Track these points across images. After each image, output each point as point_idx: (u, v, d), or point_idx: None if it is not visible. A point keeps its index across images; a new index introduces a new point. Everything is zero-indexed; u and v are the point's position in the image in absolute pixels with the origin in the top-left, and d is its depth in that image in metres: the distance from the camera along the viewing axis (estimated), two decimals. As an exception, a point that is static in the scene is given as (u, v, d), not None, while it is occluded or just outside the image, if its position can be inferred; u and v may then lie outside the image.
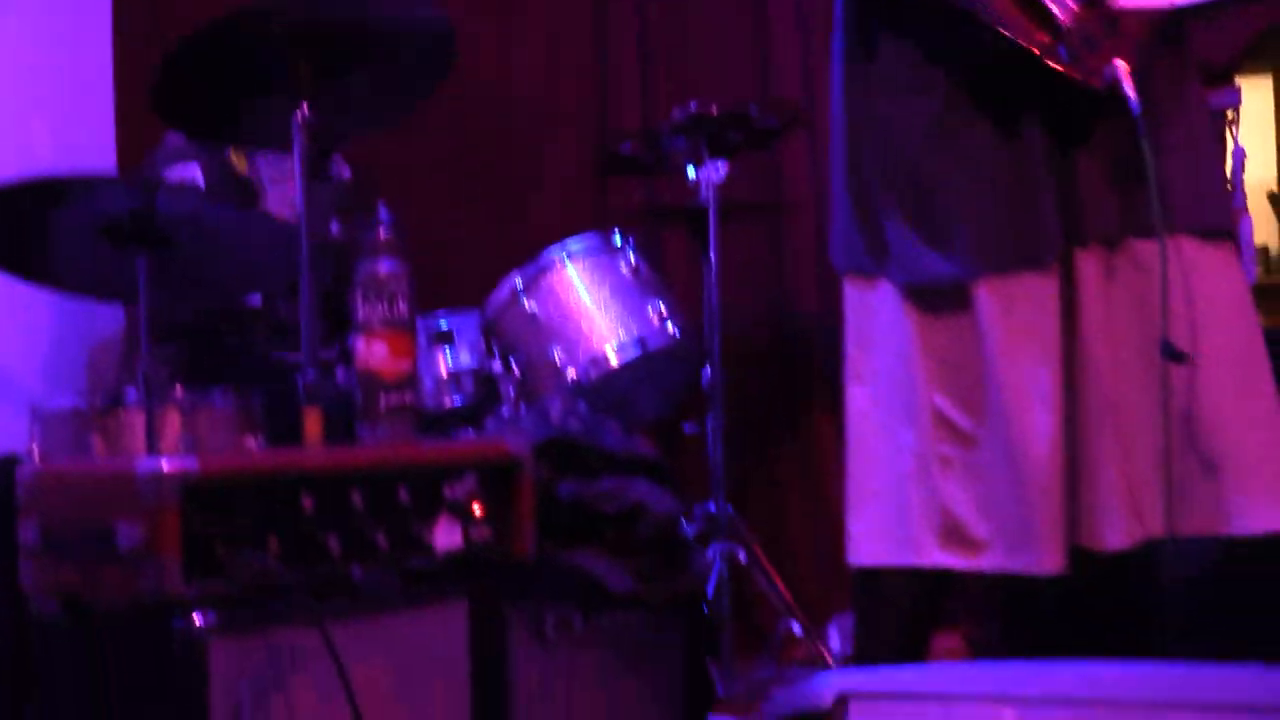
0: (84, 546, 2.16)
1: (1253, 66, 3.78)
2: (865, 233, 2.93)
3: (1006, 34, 2.72)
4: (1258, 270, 3.93)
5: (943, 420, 2.85)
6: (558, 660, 2.54)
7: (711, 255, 3.78)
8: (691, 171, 3.82)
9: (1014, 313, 2.81)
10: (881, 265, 2.91)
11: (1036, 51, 2.72)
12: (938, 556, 2.83)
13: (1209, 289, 2.81)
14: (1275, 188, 3.89)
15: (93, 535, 2.14)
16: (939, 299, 2.86)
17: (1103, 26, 2.74)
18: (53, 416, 3.00)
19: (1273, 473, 2.80)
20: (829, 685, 1.38)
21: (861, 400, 2.96)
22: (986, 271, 2.81)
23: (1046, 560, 2.76)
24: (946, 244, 2.83)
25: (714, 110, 3.71)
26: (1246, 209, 3.66)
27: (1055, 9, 2.72)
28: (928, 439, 2.86)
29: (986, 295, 2.81)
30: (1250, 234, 3.65)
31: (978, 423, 2.84)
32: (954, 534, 2.83)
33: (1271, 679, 1.36)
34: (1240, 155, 3.60)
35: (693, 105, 3.71)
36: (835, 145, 3.00)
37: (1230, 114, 3.51)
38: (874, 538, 2.91)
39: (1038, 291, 2.80)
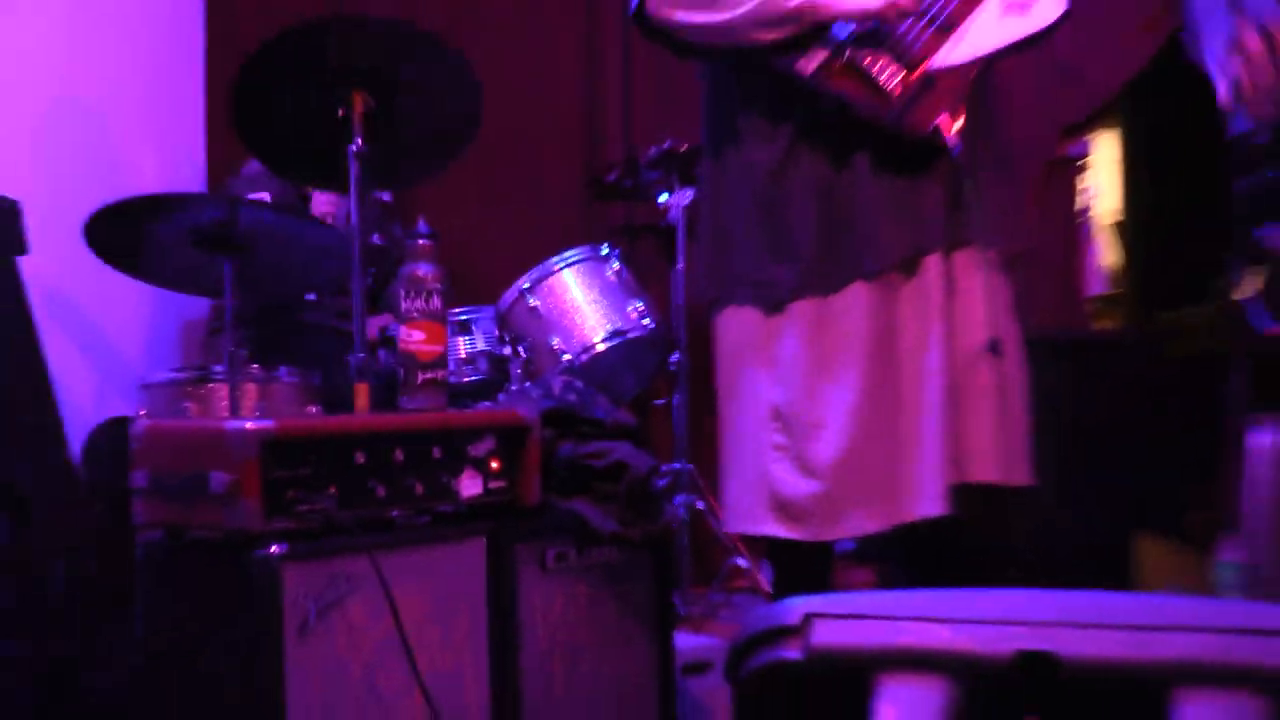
0: (183, 490, 2.19)
1: (1105, 123, 3.78)
2: (727, 265, 2.83)
3: (849, 104, 2.66)
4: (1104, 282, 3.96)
5: (778, 415, 2.73)
6: (556, 586, 2.55)
7: (679, 265, 3.81)
8: (664, 197, 3.84)
9: (845, 317, 2.71)
10: (737, 291, 2.80)
11: (869, 115, 2.67)
12: (770, 527, 2.73)
13: (1005, 291, 2.78)
14: (1119, 218, 3.90)
15: (190, 481, 2.16)
16: (781, 312, 2.74)
17: (923, 85, 2.67)
18: (155, 387, 3.00)
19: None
20: (797, 607, 1.37)
21: (725, 403, 2.87)
22: (821, 288, 2.71)
23: (863, 525, 2.69)
24: (792, 258, 2.72)
25: (683, 148, 3.71)
26: (1096, 235, 3.65)
27: (882, 80, 2.66)
28: (766, 432, 2.75)
29: (819, 306, 2.71)
30: (1099, 255, 3.66)
31: (807, 416, 2.72)
32: (782, 509, 2.72)
33: (1172, 604, 1.36)
34: (1091, 194, 3.58)
35: (667, 143, 3.73)
36: (704, 201, 2.92)
37: (1083, 162, 3.49)
38: (736, 510, 2.83)
39: (863, 298, 2.70)
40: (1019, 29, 2.68)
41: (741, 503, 2.79)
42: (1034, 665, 1.27)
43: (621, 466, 2.63)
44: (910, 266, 2.72)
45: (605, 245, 3.67)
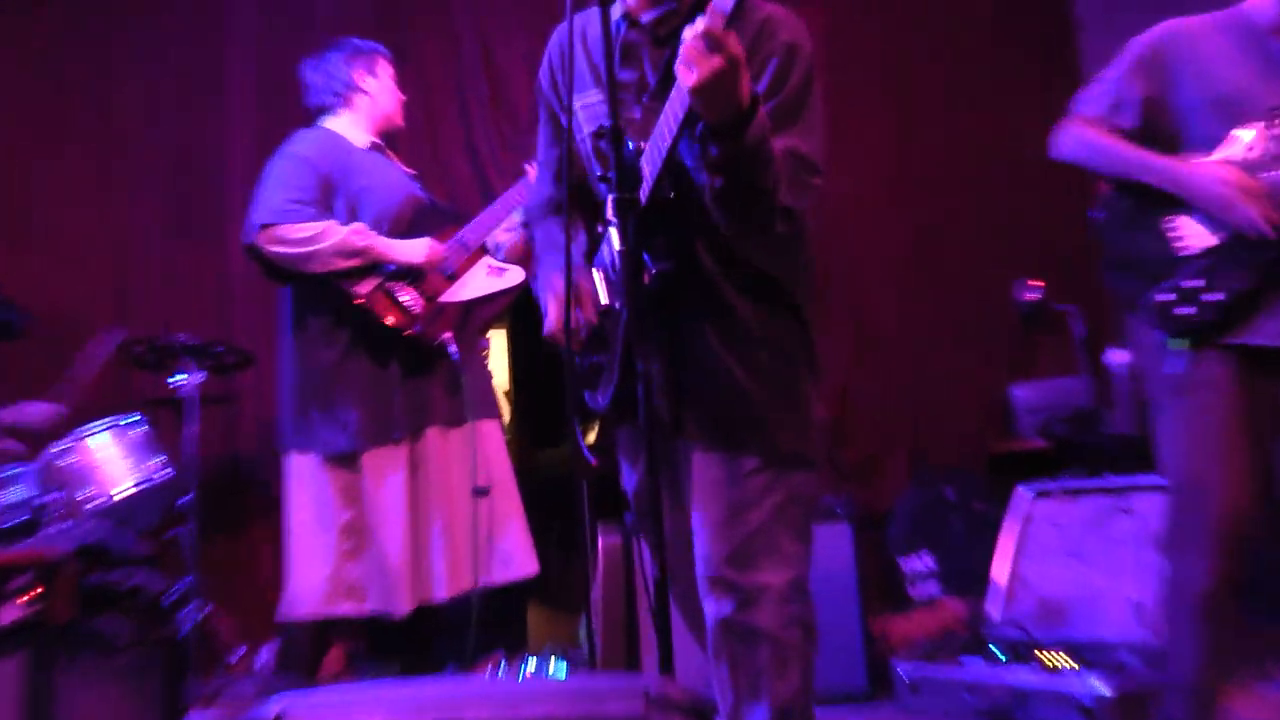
0: None
1: (497, 324, 4.00)
2: (300, 426, 2.96)
3: (388, 322, 2.91)
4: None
5: (347, 530, 2.89)
6: (88, 685, 2.32)
7: (192, 429, 3.35)
8: (180, 377, 3.45)
9: (383, 467, 2.91)
10: (310, 445, 2.94)
11: (404, 330, 2.92)
12: (343, 608, 2.88)
13: (493, 448, 3.03)
14: (508, 389, 4.08)
15: None
16: (342, 462, 2.92)
17: (435, 312, 2.96)
18: None
19: (525, 549, 3.04)
20: (273, 704, 1.28)
21: (298, 521, 2.95)
22: (367, 446, 2.91)
23: (401, 607, 2.85)
24: (345, 429, 2.91)
25: (182, 339, 3.34)
26: (499, 403, 3.79)
27: (408, 304, 2.91)
28: (335, 542, 2.89)
29: (367, 459, 2.91)
30: (505, 414, 3.79)
31: (367, 531, 2.90)
32: (350, 594, 2.88)
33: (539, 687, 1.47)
34: (490, 375, 3.68)
35: (181, 337, 3.39)
36: (284, 380, 3.01)
37: (485, 351, 3.65)
38: (303, 598, 2.90)
39: (396, 455, 2.92)
40: (497, 285, 3.06)
41: (316, 592, 2.86)
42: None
43: (139, 589, 2.50)
44: (423, 434, 2.95)
45: (133, 414, 3.31)
